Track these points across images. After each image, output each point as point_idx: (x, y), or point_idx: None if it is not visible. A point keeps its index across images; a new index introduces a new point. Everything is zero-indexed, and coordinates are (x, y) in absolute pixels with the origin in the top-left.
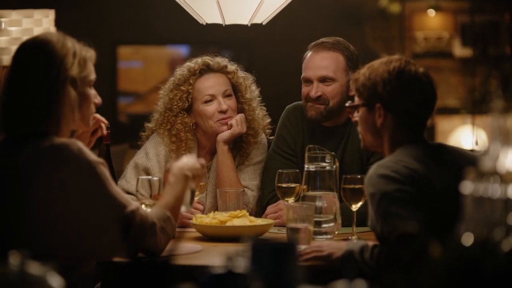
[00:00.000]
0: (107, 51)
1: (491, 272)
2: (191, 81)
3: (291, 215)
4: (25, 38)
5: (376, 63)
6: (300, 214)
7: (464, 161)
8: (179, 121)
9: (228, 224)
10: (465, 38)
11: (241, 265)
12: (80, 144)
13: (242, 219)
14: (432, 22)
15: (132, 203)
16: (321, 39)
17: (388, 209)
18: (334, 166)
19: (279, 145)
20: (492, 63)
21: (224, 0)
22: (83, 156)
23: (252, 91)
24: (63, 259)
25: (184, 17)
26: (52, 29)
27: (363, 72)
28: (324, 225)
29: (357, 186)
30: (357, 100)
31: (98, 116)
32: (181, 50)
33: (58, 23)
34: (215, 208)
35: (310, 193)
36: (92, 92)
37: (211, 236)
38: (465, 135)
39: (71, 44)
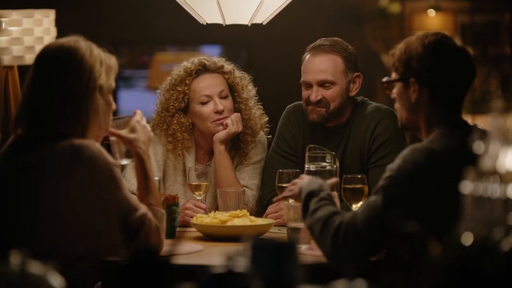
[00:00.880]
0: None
1: (490, 271)
2: (187, 82)
3: (291, 215)
4: (25, 38)
5: (412, 37)
6: (300, 214)
7: None
8: (175, 121)
9: (229, 223)
10: (465, 38)
11: (242, 264)
12: (99, 146)
13: (242, 219)
14: (432, 22)
15: (142, 207)
16: (319, 41)
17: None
18: (335, 166)
19: (279, 145)
20: (492, 63)
21: (224, 0)
22: (102, 157)
23: (249, 91)
24: (66, 256)
25: (184, 17)
26: (53, 29)
27: (400, 47)
28: None
29: (357, 186)
30: (393, 76)
31: None
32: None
33: (59, 23)
34: (215, 207)
35: None
36: (111, 98)
37: (211, 235)
38: None
39: (97, 52)
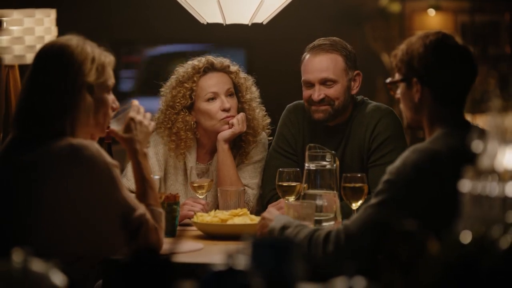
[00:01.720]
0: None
1: (489, 269)
2: (195, 79)
3: (291, 214)
4: (26, 37)
5: (413, 37)
6: (300, 213)
7: None
8: (180, 119)
9: (229, 222)
10: (465, 37)
11: (242, 262)
12: (98, 146)
13: (242, 218)
14: (432, 22)
15: (141, 207)
16: (318, 41)
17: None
18: (335, 165)
19: (279, 144)
20: (492, 63)
21: (225, 0)
22: (101, 157)
23: (252, 92)
24: (67, 256)
25: (185, 16)
26: (53, 28)
27: (401, 47)
28: (325, 224)
29: (357, 185)
30: (396, 76)
31: None
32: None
33: (59, 23)
34: (216, 206)
35: (311, 191)
36: (111, 97)
37: (212, 234)
38: None
39: (90, 49)
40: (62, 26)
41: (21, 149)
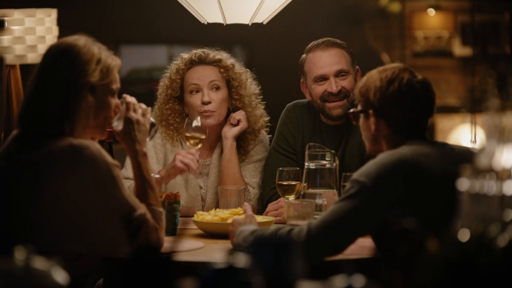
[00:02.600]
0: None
1: (486, 267)
2: (181, 72)
3: (291, 212)
4: (27, 37)
5: (374, 71)
6: (300, 211)
7: (468, 155)
8: (167, 107)
9: (229, 221)
10: (465, 37)
11: (242, 260)
12: (99, 146)
13: (243, 217)
14: (432, 21)
15: (141, 206)
16: (317, 41)
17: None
18: (334, 164)
19: (279, 143)
20: (491, 62)
21: (225, 0)
22: (102, 157)
23: (248, 88)
24: (67, 254)
25: (185, 16)
26: (54, 28)
27: (363, 79)
28: None
29: None
30: (358, 107)
31: None
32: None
33: (60, 22)
34: (216, 205)
35: (310, 190)
36: (114, 101)
37: (212, 233)
38: (465, 134)
39: (97, 50)
40: (63, 26)
41: (22, 147)
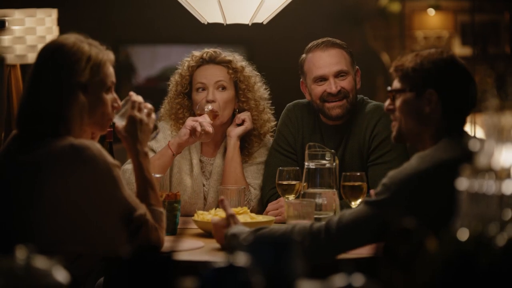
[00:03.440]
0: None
1: (486, 266)
2: (190, 69)
3: (291, 212)
4: (28, 37)
5: (424, 52)
6: (300, 211)
7: None
8: (177, 101)
9: None
10: (464, 37)
11: (242, 259)
12: (99, 146)
13: (243, 216)
14: (432, 21)
15: (141, 207)
16: (317, 41)
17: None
18: (334, 164)
19: (279, 143)
20: (491, 62)
21: (225, 0)
22: (102, 158)
23: (256, 91)
24: (67, 254)
25: (185, 16)
26: (55, 28)
27: (410, 58)
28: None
29: (356, 183)
30: (399, 85)
31: None
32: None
33: (61, 22)
34: (217, 204)
35: (310, 190)
36: (110, 96)
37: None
38: None
39: (87, 48)
40: (63, 26)
41: (22, 147)
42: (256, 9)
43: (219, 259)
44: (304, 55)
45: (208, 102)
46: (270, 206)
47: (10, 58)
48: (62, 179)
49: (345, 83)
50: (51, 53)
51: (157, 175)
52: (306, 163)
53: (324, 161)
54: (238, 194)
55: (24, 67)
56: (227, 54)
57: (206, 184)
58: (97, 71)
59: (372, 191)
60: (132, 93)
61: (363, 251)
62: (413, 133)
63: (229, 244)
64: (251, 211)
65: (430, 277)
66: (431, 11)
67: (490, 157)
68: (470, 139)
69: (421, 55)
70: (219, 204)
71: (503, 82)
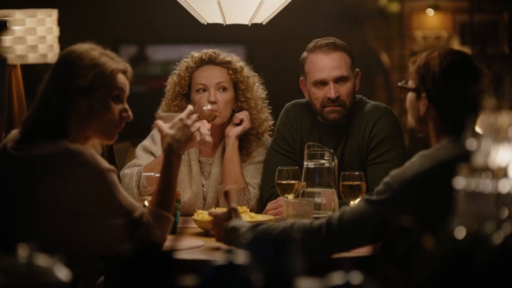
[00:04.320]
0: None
1: (482, 263)
2: (190, 70)
3: (290, 211)
4: (28, 37)
5: (435, 53)
6: (299, 210)
7: None
8: (175, 104)
9: None
10: (464, 37)
11: (242, 257)
12: (93, 151)
13: (243, 215)
14: (431, 21)
15: (138, 209)
16: (320, 41)
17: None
18: (333, 163)
19: (278, 143)
20: (490, 62)
21: (225, 0)
22: (95, 163)
23: (255, 91)
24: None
25: (185, 17)
26: (55, 28)
27: (422, 58)
28: None
29: (355, 183)
30: (410, 83)
31: None
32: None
33: (61, 22)
34: (217, 203)
35: (309, 189)
36: (120, 106)
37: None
38: None
39: (98, 55)
40: (64, 26)
41: (20, 147)
42: (256, 10)
43: (218, 257)
44: (305, 54)
45: (209, 103)
46: (270, 205)
47: (10, 58)
48: (56, 182)
49: (344, 90)
50: (62, 58)
51: (157, 175)
52: (305, 163)
53: (323, 161)
54: (237, 194)
55: (24, 67)
56: (226, 55)
57: (205, 184)
58: (103, 78)
59: None
60: (190, 106)
61: (361, 250)
62: (417, 129)
63: (228, 236)
64: (251, 211)
65: (427, 274)
66: (430, 11)
67: (487, 156)
68: (469, 139)
69: (429, 55)
70: (224, 196)
71: (500, 81)
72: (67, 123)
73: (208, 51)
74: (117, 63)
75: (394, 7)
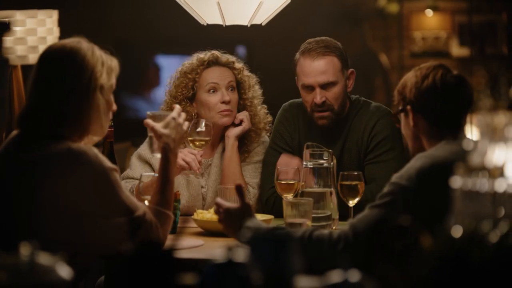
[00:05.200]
0: None
1: (479, 262)
2: (198, 71)
3: (290, 211)
4: (29, 38)
5: (410, 71)
6: (299, 210)
7: None
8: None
9: None
10: (462, 37)
11: (241, 255)
12: (96, 151)
13: None
14: (430, 22)
15: (140, 208)
16: (311, 44)
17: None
18: (332, 163)
19: (276, 142)
20: (487, 63)
21: (225, 1)
22: (99, 162)
23: (255, 91)
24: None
25: (185, 17)
26: (56, 29)
27: (401, 81)
28: (322, 221)
29: (353, 183)
30: (397, 109)
31: None
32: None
33: (61, 23)
34: None
35: (308, 189)
36: (112, 99)
37: (212, 231)
38: None
39: (98, 53)
40: (64, 27)
41: (22, 147)
42: (255, 11)
43: (218, 256)
44: (298, 55)
45: (223, 103)
46: (283, 157)
47: (11, 59)
48: (58, 182)
49: (331, 94)
50: (67, 56)
51: (156, 174)
52: (304, 163)
53: (322, 161)
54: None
55: (25, 67)
56: (227, 55)
57: (205, 185)
58: (110, 75)
59: None
60: (178, 106)
61: None
62: (415, 150)
63: (243, 235)
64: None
65: (425, 272)
66: (429, 12)
67: (483, 156)
68: (465, 139)
69: (406, 75)
70: (236, 190)
71: (496, 82)
72: (88, 125)
73: (213, 51)
74: (111, 59)
75: (393, 8)
